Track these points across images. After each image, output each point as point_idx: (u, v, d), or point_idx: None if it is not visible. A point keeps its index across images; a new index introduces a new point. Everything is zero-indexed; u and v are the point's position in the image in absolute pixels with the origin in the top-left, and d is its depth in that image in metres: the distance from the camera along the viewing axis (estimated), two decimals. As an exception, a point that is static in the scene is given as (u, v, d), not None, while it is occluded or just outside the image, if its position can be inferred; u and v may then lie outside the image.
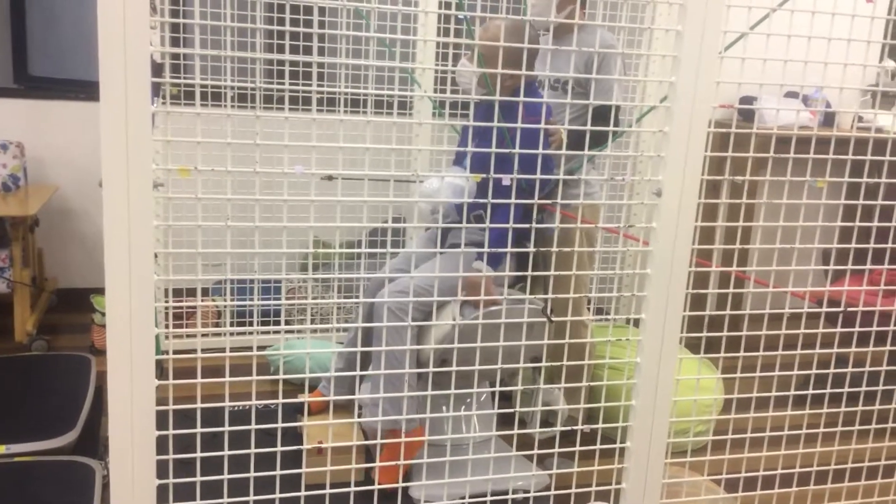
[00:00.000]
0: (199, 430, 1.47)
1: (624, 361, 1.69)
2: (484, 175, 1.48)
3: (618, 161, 3.62)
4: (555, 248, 1.67)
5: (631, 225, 1.71)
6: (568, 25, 2.66)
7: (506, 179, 1.53)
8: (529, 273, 1.64)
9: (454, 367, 1.64)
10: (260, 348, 3.27)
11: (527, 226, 1.59)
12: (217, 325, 3.43)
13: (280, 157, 3.38)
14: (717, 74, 1.59)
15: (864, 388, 1.91)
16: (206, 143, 1.42)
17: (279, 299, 3.43)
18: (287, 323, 3.51)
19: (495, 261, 2.28)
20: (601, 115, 2.48)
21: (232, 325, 3.45)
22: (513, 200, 1.59)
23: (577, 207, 2.41)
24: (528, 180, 2.04)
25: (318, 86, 3.53)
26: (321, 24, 3.57)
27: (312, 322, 3.53)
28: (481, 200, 1.89)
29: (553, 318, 1.80)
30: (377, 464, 2.30)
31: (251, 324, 3.42)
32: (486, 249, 1.60)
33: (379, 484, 2.26)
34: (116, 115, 1.28)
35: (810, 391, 1.91)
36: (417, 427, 2.32)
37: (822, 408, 1.93)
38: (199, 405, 1.46)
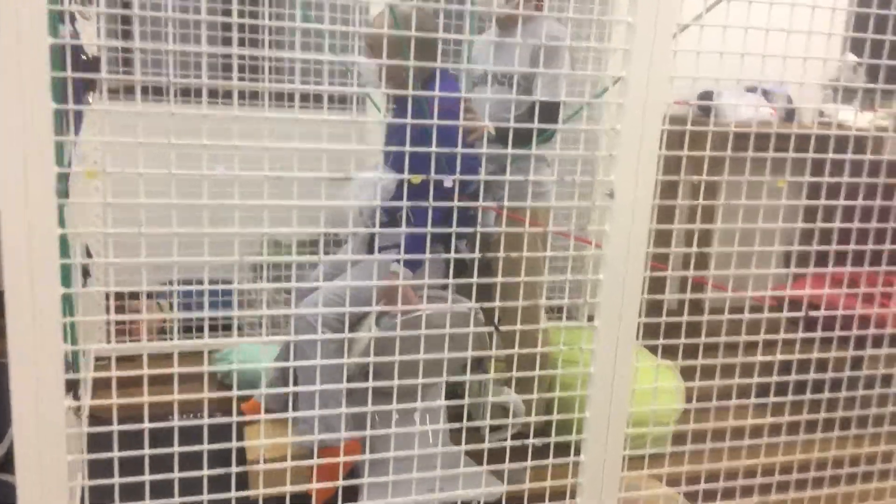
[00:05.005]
0: (115, 454, 1.35)
1: (575, 372, 1.61)
2: (402, 176, 1.38)
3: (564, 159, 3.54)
4: (495, 253, 1.58)
5: (582, 229, 1.63)
6: (514, 17, 2.55)
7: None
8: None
9: (373, 382, 1.54)
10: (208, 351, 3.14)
11: (448, 229, 1.50)
12: (162, 328, 3.29)
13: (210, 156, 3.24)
14: (671, 69, 1.51)
15: (826, 395, 1.85)
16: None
17: (226, 299, 3.29)
18: (237, 321, 3.38)
19: (413, 264, 2.17)
20: (543, 110, 2.38)
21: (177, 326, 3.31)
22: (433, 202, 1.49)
23: (521, 208, 2.29)
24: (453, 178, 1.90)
25: (265, 80, 3.41)
26: (270, 17, 3.44)
27: (261, 321, 3.40)
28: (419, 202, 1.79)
29: (500, 328, 1.71)
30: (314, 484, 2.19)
31: (198, 327, 3.29)
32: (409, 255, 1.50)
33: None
34: (12, 114, 1.16)
35: (771, 398, 1.84)
36: (350, 442, 2.23)
37: (784, 411, 1.86)
38: (115, 427, 1.34)
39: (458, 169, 1.77)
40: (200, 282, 3.25)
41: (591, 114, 3.33)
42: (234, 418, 1.41)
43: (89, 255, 2.54)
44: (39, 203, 1.20)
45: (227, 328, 3.42)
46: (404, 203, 1.36)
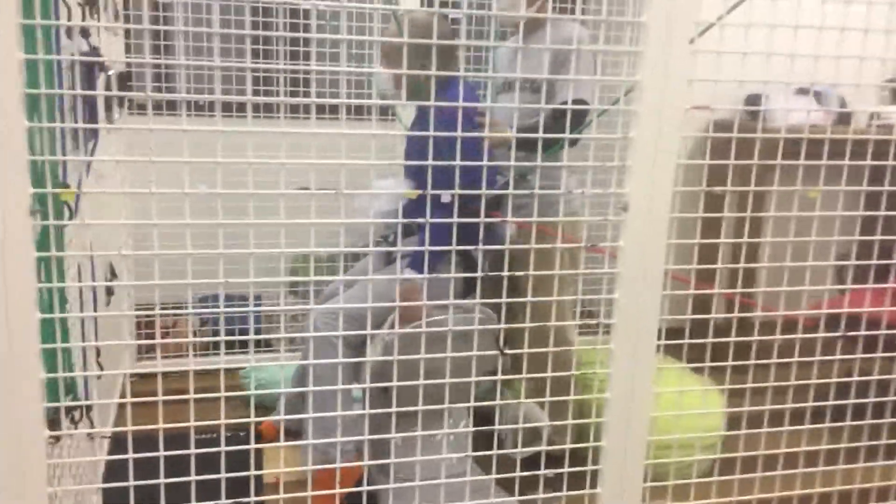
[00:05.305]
0: (99, 485, 1.30)
1: (593, 397, 1.50)
2: (419, 191, 1.30)
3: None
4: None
5: (593, 245, 1.53)
6: (537, 21, 2.46)
7: (445, 196, 1.36)
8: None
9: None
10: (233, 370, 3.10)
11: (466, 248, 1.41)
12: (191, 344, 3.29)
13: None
14: (689, 72, 1.40)
15: (869, 421, 1.71)
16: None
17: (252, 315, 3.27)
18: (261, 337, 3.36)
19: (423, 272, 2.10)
20: (562, 114, 2.27)
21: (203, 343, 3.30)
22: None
23: (535, 219, 2.18)
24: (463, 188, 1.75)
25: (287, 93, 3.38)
26: (305, 29, 3.41)
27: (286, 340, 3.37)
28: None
29: (506, 351, 1.62)
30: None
31: (228, 344, 3.26)
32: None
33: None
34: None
35: (806, 425, 1.71)
36: (352, 458, 2.15)
37: (822, 436, 1.72)
38: (101, 458, 1.29)
39: (468, 180, 1.68)
40: (227, 298, 3.23)
41: (611, 120, 3.20)
42: (222, 448, 1.35)
43: (114, 274, 2.53)
44: (13, 225, 1.16)
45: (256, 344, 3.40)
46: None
